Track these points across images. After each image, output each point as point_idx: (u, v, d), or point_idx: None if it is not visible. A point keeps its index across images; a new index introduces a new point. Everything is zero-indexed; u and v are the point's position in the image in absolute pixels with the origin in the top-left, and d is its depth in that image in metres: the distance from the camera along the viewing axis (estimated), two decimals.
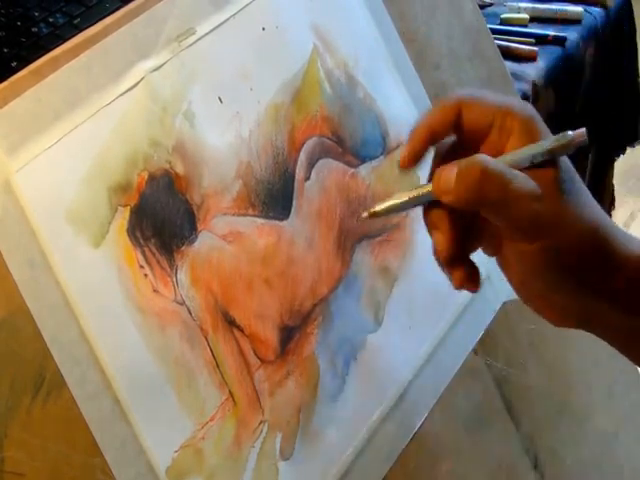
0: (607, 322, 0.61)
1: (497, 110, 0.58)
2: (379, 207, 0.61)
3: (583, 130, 0.58)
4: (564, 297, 0.60)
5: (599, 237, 0.58)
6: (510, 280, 0.61)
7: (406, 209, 0.62)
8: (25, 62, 0.60)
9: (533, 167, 0.57)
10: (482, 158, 0.56)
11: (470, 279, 0.61)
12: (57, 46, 0.60)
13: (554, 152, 0.57)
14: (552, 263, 0.59)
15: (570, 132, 0.57)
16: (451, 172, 0.56)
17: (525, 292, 0.61)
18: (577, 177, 0.59)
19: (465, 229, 0.59)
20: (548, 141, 0.57)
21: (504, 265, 0.60)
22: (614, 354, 1.04)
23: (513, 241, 0.58)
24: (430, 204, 0.59)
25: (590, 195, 0.60)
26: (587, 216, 0.58)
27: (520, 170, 0.56)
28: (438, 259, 0.61)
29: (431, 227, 0.60)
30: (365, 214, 0.62)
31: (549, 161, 0.57)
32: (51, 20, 0.67)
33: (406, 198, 0.60)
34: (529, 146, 0.57)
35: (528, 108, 0.59)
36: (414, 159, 0.60)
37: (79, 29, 0.64)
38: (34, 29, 0.67)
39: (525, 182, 0.56)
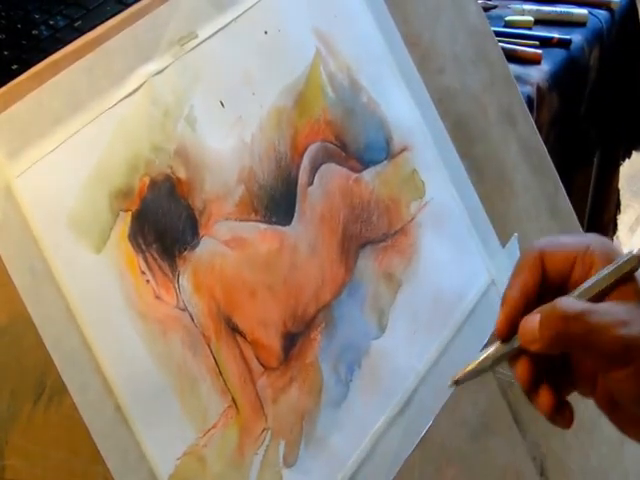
0: None
1: (576, 250, 0.60)
2: (461, 373, 0.62)
3: None
4: None
5: None
6: (608, 414, 0.60)
7: (488, 370, 0.62)
8: (25, 65, 0.59)
9: (615, 287, 0.58)
10: (561, 303, 0.58)
11: (560, 414, 0.61)
12: (58, 49, 0.60)
13: (626, 270, 0.58)
14: None
15: (635, 251, 0.59)
16: (534, 322, 0.58)
17: (625, 422, 0.60)
18: None
19: (556, 373, 0.60)
20: (616, 263, 0.58)
21: (602, 403, 0.60)
22: None
23: (607, 372, 0.58)
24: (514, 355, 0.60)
25: None
26: None
27: (600, 295, 0.58)
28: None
29: (519, 374, 0.61)
30: (449, 383, 0.62)
31: (628, 278, 0.58)
32: (52, 23, 0.67)
33: (489, 360, 0.61)
34: (600, 272, 0.59)
35: (603, 240, 0.61)
36: (511, 328, 0.60)
37: (80, 32, 0.64)
38: (35, 32, 0.67)
39: (606, 312, 0.57)
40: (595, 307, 0.57)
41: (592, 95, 1.83)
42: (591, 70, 1.81)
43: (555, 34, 1.77)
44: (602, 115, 1.91)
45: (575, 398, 0.79)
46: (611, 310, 0.57)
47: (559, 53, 1.74)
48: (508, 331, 0.61)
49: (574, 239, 0.62)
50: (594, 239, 0.61)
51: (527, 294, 0.61)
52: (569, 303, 0.57)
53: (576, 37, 1.78)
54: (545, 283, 0.61)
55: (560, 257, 0.61)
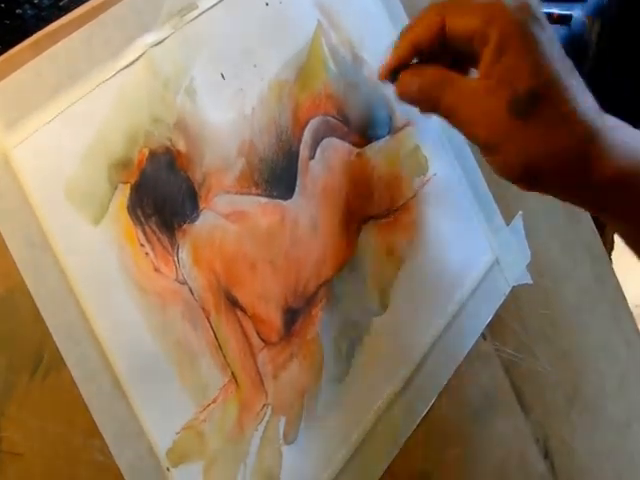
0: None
1: (480, 17, 0.59)
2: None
3: None
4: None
5: (569, 157, 0.61)
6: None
7: None
8: (8, 46, 0.58)
9: None
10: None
11: None
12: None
13: None
14: (511, 167, 0.62)
15: None
16: (412, 84, 0.63)
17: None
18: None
19: None
20: None
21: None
22: (628, 343, 1.02)
23: None
24: None
25: (581, 92, 0.63)
26: (552, 136, 0.60)
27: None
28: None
29: None
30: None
31: None
32: (36, 2, 0.66)
33: None
34: None
35: (516, 18, 0.59)
36: (393, 74, 0.64)
37: (65, 11, 0.62)
38: (18, 11, 0.65)
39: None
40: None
41: (593, 72, 1.81)
42: (592, 46, 1.79)
43: (555, 10, 1.74)
44: (603, 92, 1.89)
45: (578, 376, 0.78)
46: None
47: (559, 30, 1.72)
48: (388, 77, 0.65)
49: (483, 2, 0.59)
50: (504, 14, 0.58)
51: (419, 49, 0.63)
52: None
53: (576, 12, 1.75)
54: (447, 48, 0.62)
55: (461, 23, 0.60)
